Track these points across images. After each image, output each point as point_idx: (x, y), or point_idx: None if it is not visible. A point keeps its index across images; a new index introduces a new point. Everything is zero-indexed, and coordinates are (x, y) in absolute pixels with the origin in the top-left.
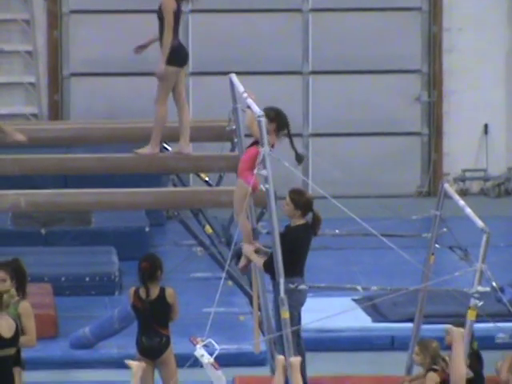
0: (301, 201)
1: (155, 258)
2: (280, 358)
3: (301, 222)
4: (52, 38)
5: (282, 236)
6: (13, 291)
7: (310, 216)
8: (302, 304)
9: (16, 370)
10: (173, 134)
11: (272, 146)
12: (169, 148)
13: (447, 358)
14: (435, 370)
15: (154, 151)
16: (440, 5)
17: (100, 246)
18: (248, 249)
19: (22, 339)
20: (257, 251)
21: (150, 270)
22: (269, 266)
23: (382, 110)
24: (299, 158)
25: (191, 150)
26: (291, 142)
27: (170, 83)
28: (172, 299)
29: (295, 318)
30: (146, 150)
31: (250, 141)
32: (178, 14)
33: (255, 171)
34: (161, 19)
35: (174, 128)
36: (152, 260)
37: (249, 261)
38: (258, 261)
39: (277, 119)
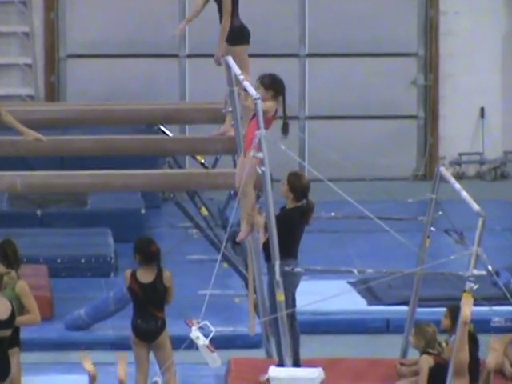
0: (296, 185)
1: (154, 240)
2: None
3: (296, 204)
4: (49, 20)
5: (277, 218)
6: (13, 273)
7: (304, 201)
8: (296, 286)
9: (15, 351)
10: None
11: (275, 114)
12: (166, 131)
13: (444, 343)
14: (430, 354)
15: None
16: None
17: (96, 227)
18: (262, 220)
19: (26, 318)
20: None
21: (159, 253)
22: (268, 246)
23: (379, 93)
24: (285, 129)
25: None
26: (284, 110)
27: (246, 60)
28: (169, 282)
29: (289, 300)
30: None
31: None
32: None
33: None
34: (219, 3)
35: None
36: (155, 242)
37: (251, 231)
38: (261, 238)
39: (273, 86)
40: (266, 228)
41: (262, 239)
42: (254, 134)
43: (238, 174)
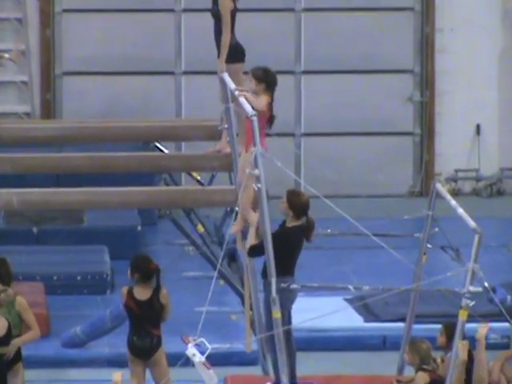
0: (295, 202)
1: (150, 257)
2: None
3: (296, 223)
4: (45, 37)
5: (277, 235)
6: (10, 290)
7: (304, 219)
8: (292, 303)
9: (19, 366)
10: (166, 132)
11: (270, 109)
12: (162, 148)
13: (439, 360)
14: (425, 370)
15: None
16: (433, 5)
17: (92, 244)
18: (255, 217)
19: (30, 335)
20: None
21: (158, 270)
22: (254, 251)
23: (375, 110)
24: (271, 122)
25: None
26: (271, 103)
27: (239, 79)
28: (165, 300)
29: (285, 317)
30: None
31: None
32: (234, 13)
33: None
34: (216, 18)
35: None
36: (152, 260)
37: (244, 226)
38: (251, 240)
39: (266, 80)
40: (258, 229)
41: (251, 239)
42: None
43: (241, 168)
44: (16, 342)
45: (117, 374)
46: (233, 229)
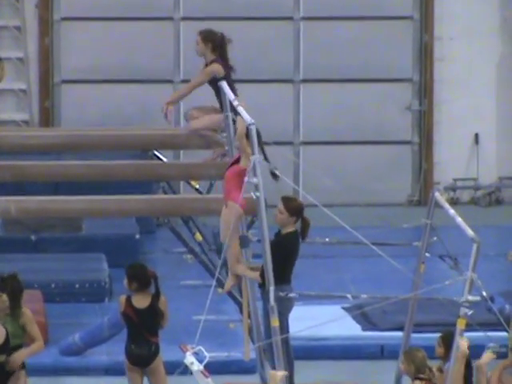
0: (294, 207)
1: (145, 265)
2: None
3: (291, 229)
4: (43, 45)
5: (274, 244)
6: (4, 296)
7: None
8: (289, 311)
9: (22, 374)
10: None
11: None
12: (161, 157)
13: (434, 369)
14: (421, 379)
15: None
16: (431, 14)
17: (90, 252)
18: (242, 268)
19: (36, 347)
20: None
21: (156, 277)
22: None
23: (373, 119)
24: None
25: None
26: None
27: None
28: (164, 306)
29: (284, 325)
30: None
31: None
32: (229, 82)
33: (242, 190)
34: (211, 84)
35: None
36: (148, 267)
37: (236, 281)
38: (255, 275)
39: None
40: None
41: (255, 277)
42: (232, 183)
43: (222, 227)
44: (22, 354)
45: None
46: (226, 287)
